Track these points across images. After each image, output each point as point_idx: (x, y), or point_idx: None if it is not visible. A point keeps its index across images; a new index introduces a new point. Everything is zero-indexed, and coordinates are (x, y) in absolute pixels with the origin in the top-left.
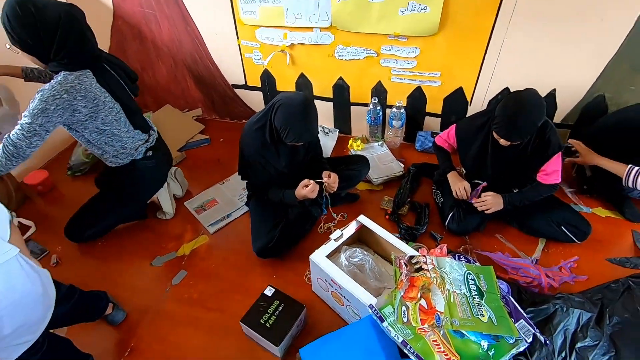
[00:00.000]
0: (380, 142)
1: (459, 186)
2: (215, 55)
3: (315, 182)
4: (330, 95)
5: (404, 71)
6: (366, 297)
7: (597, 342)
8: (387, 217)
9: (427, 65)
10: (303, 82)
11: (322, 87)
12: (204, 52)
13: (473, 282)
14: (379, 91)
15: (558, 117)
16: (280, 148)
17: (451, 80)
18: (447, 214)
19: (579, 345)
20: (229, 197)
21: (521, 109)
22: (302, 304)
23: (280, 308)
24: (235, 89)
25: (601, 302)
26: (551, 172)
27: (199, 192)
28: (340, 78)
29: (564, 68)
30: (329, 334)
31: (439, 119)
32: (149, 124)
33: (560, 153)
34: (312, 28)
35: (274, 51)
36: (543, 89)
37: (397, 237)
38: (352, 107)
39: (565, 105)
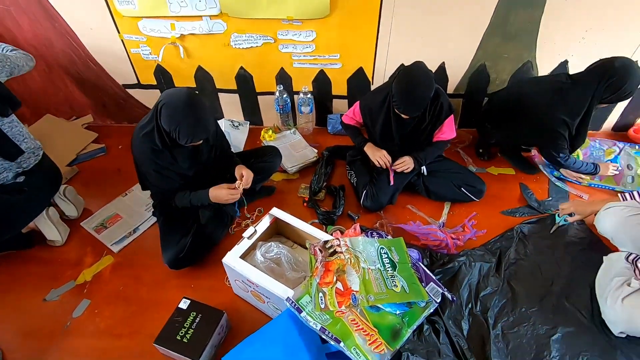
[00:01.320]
0: (292, 130)
1: (378, 155)
2: (96, 53)
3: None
4: (234, 87)
5: (304, 55)
6: (282, 291)
7: (496, 288)
8: (305, 204)
9: (326, 48)
10: (202, 76)
11: (223, 79)
12: (81, 50)
13: (386, 256)
14: (283, 78)
15: (450, 88)
16: (176, 151)
17: (351, 61)
18: (361, 192)
19: (482, 294)
20: (135, 209)
21: (414, 85)
22: (222, 311)
23: (197, 320)
24: (127, 89)
25: (499, 251)
26: (446, 130)
27: (99, 209)
28: (242, 68)
29: (448, 42)
30: (250, 336)
31: (347, 100)
32: (18, 148)
33: (452, 115)
34: (201, 16)
35: (164, 44)
36: (433, 63)
37: (317, 222)
38: (259, 96)
39: (455, 76)
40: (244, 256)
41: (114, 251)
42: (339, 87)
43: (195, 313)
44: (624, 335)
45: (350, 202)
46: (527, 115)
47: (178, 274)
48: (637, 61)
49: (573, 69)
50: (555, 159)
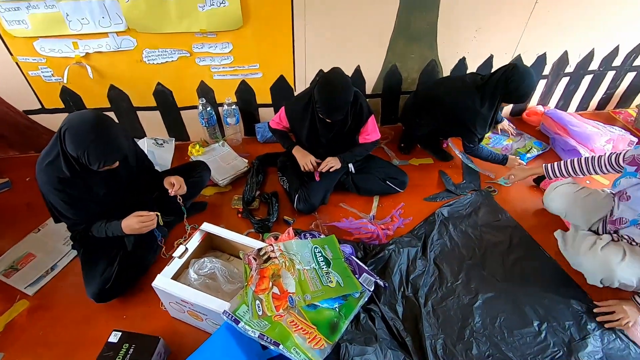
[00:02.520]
0: (221, 142)
1: (305, 160)
2: None
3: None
4: (154, 104)
5: (223, 67)
6: (218, 305)
7: (424, 269)
8: (240, 215)
9: (244, 58)
10: (116, 95)
11: (140, 96)
12: None
13: (320, 254)
14: (205, 91)
15: (368, 89)
16: (90, 178)
17: (271, 69)
18: (294, 196)
19: (412, 276)
20: (51, 244)
21: (333, 91)
22: (157, 337)
23: (131, 351)
24: (30, 116)
25: (424, 235)
26: (371, 131)
27: (6, 251)
28: (159, 84)
29: (360, 46)
30: (190, 356)
31: (272, 108)
32: None
33: (373, 115)
34: (107, 33)
35: (68, 64)
36: (350, 66)
37: (253, 232)
38: (182, 111)
39: (371, 78)
40: (176, 276)
41: (29, 294)
42: (263, 95)
43: (127, 345)
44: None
45: (284, 207)
46: (448, 110)
47: (107, 306)
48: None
49: (471, 65)
50: (469, 148)
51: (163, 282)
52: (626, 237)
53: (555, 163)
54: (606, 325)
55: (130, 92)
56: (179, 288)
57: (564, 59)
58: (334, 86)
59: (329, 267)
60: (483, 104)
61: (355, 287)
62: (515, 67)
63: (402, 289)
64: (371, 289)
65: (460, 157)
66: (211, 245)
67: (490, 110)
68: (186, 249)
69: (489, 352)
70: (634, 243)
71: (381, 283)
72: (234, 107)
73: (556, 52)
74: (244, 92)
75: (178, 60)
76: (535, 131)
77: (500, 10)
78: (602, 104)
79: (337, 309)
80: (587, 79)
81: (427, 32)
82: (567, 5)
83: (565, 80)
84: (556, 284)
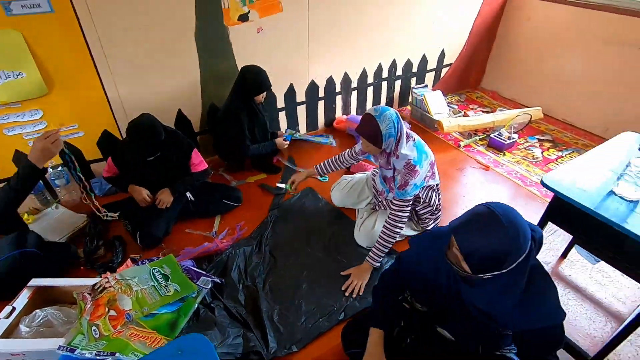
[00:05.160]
0: (54, 205)
1: (142, 196)
2: None
3: None
4: None
5: (38, 133)
6: (52, 343)
7: (260, 260)
8: (82, 268)
9: (60, 121)
10: None
11: None
12: None
13: (159, 273)
14: (23, 159)
15: (196, 127)
16: None
17: (91, 127)
18: (136, 234)
19: (249, 269)
20: None
21: (142, 135)
22: None
23: None
24: None
25: (260, 235)
26: (197, 162)
27: None
28: None
29: (177, 92)
30: None
31: (104, 162)
32: None
33: (194, 148)
34: None
35: None
36: (172, 110)
37: None
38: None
39: (195, 117)
40: (6, 336)
41: None
42: (92, 151)
43: None
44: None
45: (132, 248)
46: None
47: None
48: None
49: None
50: (243, 152)
51: None
52: (385, 203)
53: (322, 162)
54: (346, 293)
55: None
56: (6, 343)
57: (347, 78)
58: (142, 130)
59: (168, 281)
60: (236, 103)
61: (191, 288)
62: (245, 67)
63: (242, 281)
64: (208, 287)
65: (285, 163)
66: (48, 299)
67: (243, 106)
68: (13, 308)
69: (313, 305)
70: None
71: (217, 280)
72: (59, 169)
73: (339, 74)
74: (72, 152)
75: None
76: (345, 135)
77: (284, 48)
78: (389, 104)
79: (175, 311)
80: (370, 90)
81: (232, 74)
82: (337, 38)
83: (355, 93)
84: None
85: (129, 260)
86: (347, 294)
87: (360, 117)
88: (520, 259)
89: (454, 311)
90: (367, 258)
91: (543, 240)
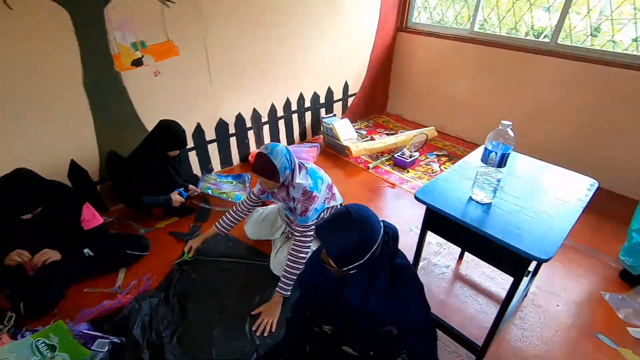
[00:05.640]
0: None
1: (11, 258)
2: None
3: None
4: None
5: None
6: None
7: (167, 312)
8: None
9: None
10: None
11: None
12: None
13: (43, 344)
14: None
15: (94, 176)
16: None
17: None
18: (20, 306)
19: (155, 322)
20: None
21: (14, 191)
22: None
23: None
24: None
25: (167, 284)
26: (90, 218)
27: None
28: None
29: (68, 140)
30: None
31: None
32: None
33: (86, 203)
34: None
35: None
36: (65, 159)
37: None
38: None
39: (93, 166)
40: None
41: None
42: None
43: None
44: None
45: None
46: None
47: None
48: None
49: None
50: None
51: None
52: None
53: (222, 217)
54: (257, 333)
55: None
56: None
57: (256, 114)
58: (15, 186)
59: (55, 351)
60: (145, 152)
61: (83, 355)
62: (165, 122)
63: (146, 337)
64: (105, 350)
65: (200, 204)
66: None
67: (153, 156)
68: None
69: (225, 350)
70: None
71: (117, 340)
72: None
73: (248, 110)
74: None
75: None
76: None
77: (186, 89)
78: (302, 135)
79: None
80: (282, 123)
81: (131, 118)
82: (241, 76)
83: (267, 127)
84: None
85: (5, 334)
86: (258, 334)
87: None
88: (374, 248)
89: (342, 316)
90: (277, 288)
91: (398, 237)
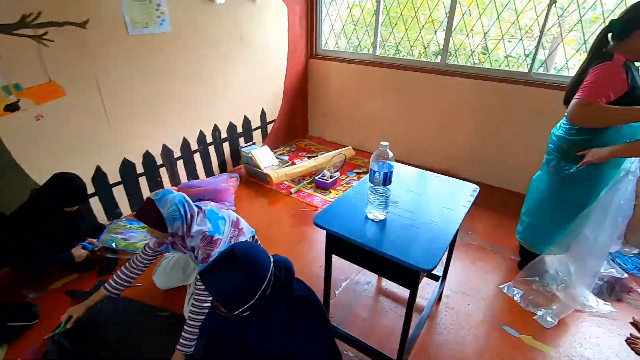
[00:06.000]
0: None
1: None
2: None
3: None
4: None
5: None
6: None
7: None
8: None
9: None
10: None
11: None
12: None
13: None
14: None
15: None
16: None
17: None
18: None
19: None
20: None
21: None
22: None
23: None
24: None
25: None
26: None
27: None
28: None
29: None
30: None
31: None
32: None
33: None
34: None
35: None
36: None
37: None
38: None
39: None
40: None
41: None
42: None
43: None
44: None
45: None
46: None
47: None
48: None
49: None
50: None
51: None
52: None
53: (113, 276)
54: None
55: None
56: None
57: (167, 150)
58: None
59: None
60: (36, 208)
61: None
62: (61, 176)
63: None
64: None
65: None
66: None
67: (47, 212)
68: None
69: None
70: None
71: None
72: None
73: (157, 147)
74: None
75: None
76: None
77: (79, 132)
78: (222, 166)
79: None
80: (197, 156)
81: (10, 167)
82: (144, 113)
83: (180, 162)
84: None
85: None
86: None
87: (194, 181)
88: (264, 287)
89: (245, 358)
90: (178, 346)
91: (293, 269)
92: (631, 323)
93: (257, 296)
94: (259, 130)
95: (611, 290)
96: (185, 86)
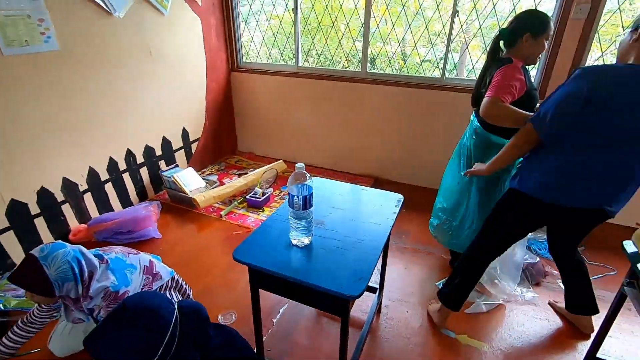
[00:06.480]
0: None
1: None
2: None
3: None
4: None
5: None
6: None
7: None
8: None
9: None
10: None
11: None
12: None
13: None
14: None
15: None
16: None
17: None
18: None
19: None
20: None
21: None
22: None
23: None
24: None
25: None
26: None
27: None
28: None
29: None
30: None
31: None
32: None
33: None
34: None
35: None
36: None
37: None
38: None
39: None
40: None
41: None
42: None
43: None
44: None
45: None
46: None
47: None
48: None
49: None
50: None
51: None
52: None
53: (5, 336)
54: None
55: None
56: None
57: (69, 183)
58: None
59: None
60: None
61: None
62: None
63: None
64: None
65: None
66: None
67: None
68: None
69: None
70: None
71: None
72: None
73: (56, 182)
74: None
75: None
76: (94, 243)
77: None
78: (142, 194)
79: None
80: (109, 186)
81: None
82: (34, 144)
83: (88, 194)
84: None
85: None
86: None
87: (108, 214)
88: (167, 340)
89: None
90: None
91: (205, 314)
92: (549, 304)
93: (159, 353)
94: (182, 150)
95: (530, 276)
96: (86, 109)
